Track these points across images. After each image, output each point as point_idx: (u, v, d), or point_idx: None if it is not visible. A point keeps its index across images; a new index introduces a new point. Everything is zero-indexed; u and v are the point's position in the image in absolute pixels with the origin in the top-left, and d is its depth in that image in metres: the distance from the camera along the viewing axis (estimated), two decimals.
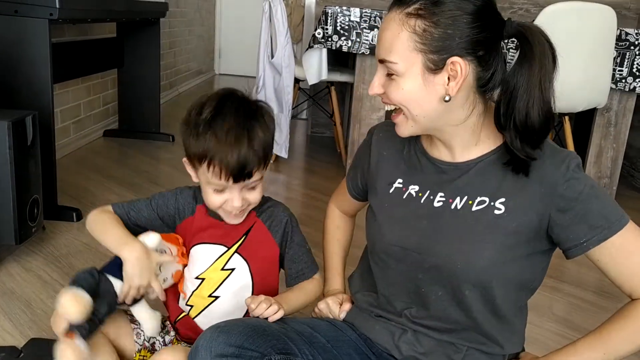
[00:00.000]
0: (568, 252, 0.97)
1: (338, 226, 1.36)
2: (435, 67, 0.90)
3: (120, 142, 3.63)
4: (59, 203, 2.32)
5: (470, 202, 0.99)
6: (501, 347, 1.04)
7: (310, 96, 3.72)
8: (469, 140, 0.99)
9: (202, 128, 1.08)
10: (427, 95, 0.92)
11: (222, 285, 1.21)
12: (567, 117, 2.83)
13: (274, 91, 3.23)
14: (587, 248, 0.94)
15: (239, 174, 1.07)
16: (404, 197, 1.06)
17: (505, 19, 0.93)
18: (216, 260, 1.20)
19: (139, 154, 3.41)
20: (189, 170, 1.17)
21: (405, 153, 1.10)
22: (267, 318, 1.08)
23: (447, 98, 0.92)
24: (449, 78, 0.91)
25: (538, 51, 0.90)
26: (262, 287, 1.22)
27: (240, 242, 1.21)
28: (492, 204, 0.97)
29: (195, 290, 1.21)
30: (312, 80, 3.00)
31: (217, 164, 1.06)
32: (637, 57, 2.71)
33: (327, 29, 2.80)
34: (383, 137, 1.14)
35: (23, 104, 2.11)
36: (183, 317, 1.24)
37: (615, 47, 2.65)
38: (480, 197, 0.98)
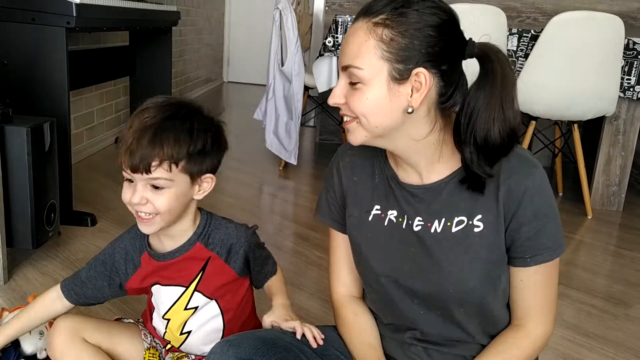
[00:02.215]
0: (509, 260, 0.99)
1: (356, 314, 1.14)
2: (400, 77, 0.90)
3: None
4: (74, 208, 2.36)
5: (448, 223, 0.98)
6: None
7: (319, 104, 3.75)
8: (431, 157, 0.98)
9: (132, 116, 1.08)
10: (390, 105, 0.91)
11: (189, 322, 1.21)
12: (576, 125, 2.85)
13: (284, 99, 3.27)
14: (529, 264, 0.97)
15: (135, 163, 1.02)
16: (385, 223, 1.04)
17: (467, 39, 0.94)
18: (176, 301, 1.19)
19: None
20: None
21: (377, 179, 1.07)
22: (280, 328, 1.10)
23: (410, 110, 0.91)
24: (412, 90, 0.90)
25: (499, 71, 0.91)
26: (231, 308, 1.22)
27: (197, 279, 1.17)
28: (470, 222, 0.97)
29: (165, 329, 1.23)
30: (322, 88, 3.04)
31: (123, 150, 1.04)
32: None
33: (337, 37, 2.84)
34: (350, 162, 1.10)
35: (40, 110, 2.15)
36: (170, 347, 1.26)
37: (623, 56, 2.67)
38: (458, 217, 0.98)
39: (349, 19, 2.83)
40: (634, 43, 2.71)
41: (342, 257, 1.16)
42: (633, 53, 2.72)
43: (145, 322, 1.30)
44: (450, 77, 0.92)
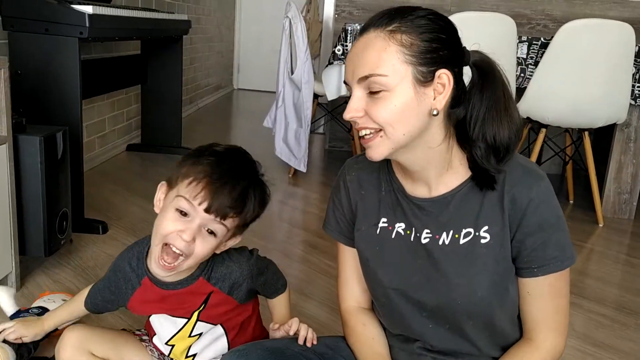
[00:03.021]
0: (516, 271, 0.99)
1: (364, 324, 1.15)
2: (424, 79, 0.90)
3: (142, 156, 3.70)
4: (85, 216, 2.38)
5: (456, 235, 0.99)
6: None
7: (328, 111, 3.77)
8: (442, 167, 0.98)
9: (209, 153, 1.05)
10: (417, 109, 0.91)
11: (194, 346, 1.21)
12: (586, 133, 2.84)
13: (294, 106, 3.28)
14: (536, 275, 0.97)
15: (217, 206, 1.00)
16: (393, 236, 1.05)
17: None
18: (180, 330, 1.18)
19: (161, 168, 3.47)
20: (159, 195, 1.10)
21: (383, 192, 1.07)
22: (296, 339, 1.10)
23: (435, 112, 0.91)
24: (434, 92, 0.91)
25: (499, 76, 0.95)
26: (235, 326, 1.22)
27: (199, 310, 1.16)
28: (477, 234, 0.97)
29: (169, 353, 1.23)
30: (331, 95, 3.05)
31: (202, 184, 1.00)
32: None
33: (346, 45, 2.85)
34: (356, 175, 1.10)
35: (52, 119, 2.18)
36: None
37: (634, 63, 2.66)
38: (465, 229, 0.98)
39: (358, 27, 2.84)
40: None
41: (351, 270, 1.16)
42: None
43: (149, 335, 1.31)
44: (459, 81, 0.94)
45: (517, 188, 0.95)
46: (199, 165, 1.03)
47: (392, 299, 1.05)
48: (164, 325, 1.20)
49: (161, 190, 1.11)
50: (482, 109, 0.94)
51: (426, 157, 0.97)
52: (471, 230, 0.98)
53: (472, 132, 0.95)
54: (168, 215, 1.04)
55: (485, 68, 0.95)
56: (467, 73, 0.96)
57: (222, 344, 1.22)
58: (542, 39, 2.81)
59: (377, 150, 0.94)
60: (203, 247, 1.04)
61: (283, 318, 1.24)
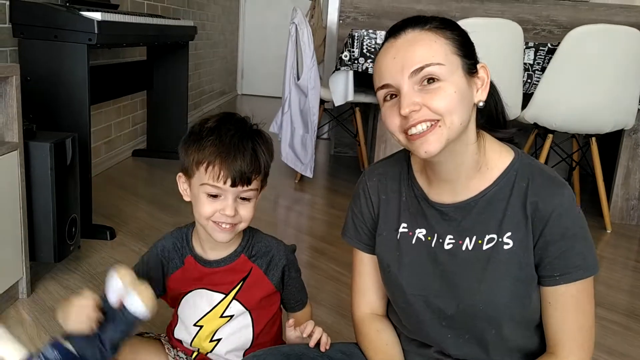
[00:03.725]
0: (538, 280, 0.98)
1: (378, 330, 1.14)
2: (471, 70, 0.94)
3: (148, 161, 3.70)
4: (93, 222, 2.38)
5: (479, 241, 0.99)
6: None
7: (334, 117, 3.77)
8: (472, 166, 0.98)
9: (206, 133, 1.09)
10: (469, 97, 0.94)
11: (220, 330, 1.22)
12: (594, 139, 2.83)
13: (300, 112, 3.28)
14: (558, 283, 0.96)
15: (239, 177, 1.06)
16: (413, 242, 1.05)
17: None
18: (214, 307, 1.20)
19: (167, 174, 3.47)
20: (182, 186, 1.16)
21: (404, 198, 1.07)
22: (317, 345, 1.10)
23: (481, 104, 0.96)
24: (476, 83, 0.96)
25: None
26: (262, 321, 1.24)
27: (237, 288, 1.20)
28: (500, 239, 0.97)
29: (194, 337, 1.23)
30: (338, 101, 3.05)
31: (217, 164, 1.06)
32: None
33: (353, 51, 2.85)
34: (377, 181, 1.11)
35: (61, 125, 2.19)
36: (196, 356, 1.26)
37: None
38: (489, 235, 0.98)
39: (365, 33, 2.84)
40: None
41: (368, 278, 1.16)
42: None
43: (169, 335, 1.30)
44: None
45: (541, 196, 0.95)
46: (205, 148, 1.08)
47: (412, 304, 1.05)
48: (197, 303, 1.21)
49: (181, 180, 1.17)
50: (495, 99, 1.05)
51: (462, 155, 0.97)
52: (494, 236, 0.98)
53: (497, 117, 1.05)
54: (202, 201, 1.10)
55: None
56: None
57: (246, 336, 1.22)
58: (548, 44, 2.81)
59: (435, 143, 0.91)
60: (247, 211, 1.12)
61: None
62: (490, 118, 1.05)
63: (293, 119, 3.28)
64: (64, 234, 1.91)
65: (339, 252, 2.40)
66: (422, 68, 0.90)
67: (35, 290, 1.87)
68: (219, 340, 1.22)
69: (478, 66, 0.95)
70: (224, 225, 1.11)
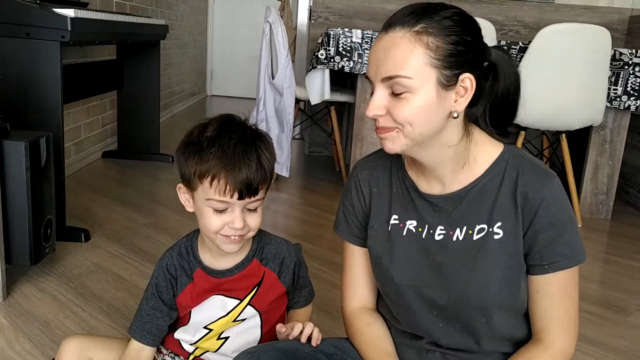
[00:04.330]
0: (527, 268, 1.00)
1: (369, 323, 1.15)
2: (448, 83, 0.91)
3: (119, 163, 3.63)
4: (67, 224, 2.32)
5: (470, 231, 1.00)
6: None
7: (309, 116, 3.77)
8: (457, 163, 1.00)
9: (207, 144, 1.03)
10: (437, 111, 0.92)
11: (230, 329, 1.19)
12: (564, 135, 2.90)
13: (275, 111, 3.27)
14: (546, 271, 0.98)
15: (246, 189, 1.02)
16: (404, 233, 1.05)
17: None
18: (229, 312, 1.17)
19: (139, 175, 3.41)
20: (184, 197, 1.11)
21: (395, 190, 1.08)
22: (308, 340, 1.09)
23: (455, 115, 0.93)
24: (456, 95, 0.93)
25: (514, 73, 1.00)
26: (270, 322, 1.22)
27: (252, 294, 1.17)
28: (490, 229, 0.99)
29: (201, 338, 1.20)
30: (315, 100, 3.05)
31: (222, 177, 1.00)
32: (631, 76, 2.80)
33: (329, 50, 2.86)
34: (368, 174, 1.11)
35: (33, 124, 2.12)
36: (195, 358, 1.24)
37: (610, 67, 2.74)
38: (479, 225, 0.99)
39: (340, 32, 2.85)
40: (620, 54, 2.78)
41: (360, 271, 1.16)
42: (619, 64, 2.79)
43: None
44: (480, 82, 0.95)
45: (530, 186, 0.97)
46: (208, 161, 1.02)
47: (404, 296, 1.05)
48: (212, 309, 1.17)
49: (182, 192, 1.11)
50: (510, 94, 0.99)
51: (442, 155, 0.98)
52: (485, 226, 0.99)
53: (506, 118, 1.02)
54: (208, 215, 1.05)
55: (504, 65, 0.97)
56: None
57: (254, 335, 1.20)
58: (520, 43, 2.86)
59: (393, 144, 0.96)
60: (255, 221, 1.08)
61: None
62: (497, 119, 1.02)
63: (268, 118, 3.26)
64: (39, 235, 1.85)
65: (319, 250, 2.40)
66: (390, 78, 0.91)
67: (10, 294, 1.81)
68: (226, 338, 1.20)
69: (461, 77, 0.92)
70: (232, 237, 1.06)
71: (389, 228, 1.07)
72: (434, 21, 0.91)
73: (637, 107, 2.84)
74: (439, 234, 1.02)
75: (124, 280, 1.99)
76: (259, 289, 1.16)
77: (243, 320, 1.19)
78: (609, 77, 2.77)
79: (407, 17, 0.91)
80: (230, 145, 1.02)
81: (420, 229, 1.04)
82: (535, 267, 0.99)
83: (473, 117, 0.99)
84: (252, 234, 1.09)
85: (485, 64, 0.97)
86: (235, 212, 1.04)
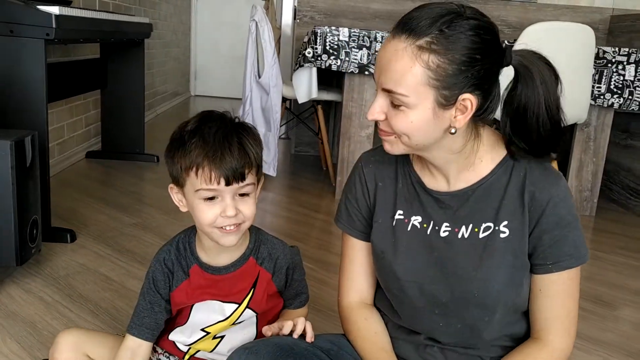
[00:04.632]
0: (531, 268, 1.00)
1: (366, 318, 1.14)
2: (447, 102, 0.90)
3: (103, 163, 3.59)
4: (52, 225, 2.29)
5: (476, 229, 1.00)
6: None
7: (296, 115, 3.76)
8: (464, 165, 1.00)
9: (188, 137, 1.04)
10: (433, 127, 0.92)
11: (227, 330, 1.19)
12: None
13: (262, 110, 3.25)
14: (550, 271, 0.98)
15: (231, 174, 1.01)
16: (409, 229, 1.05)
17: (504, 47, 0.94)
18: (228, 317, 1.16)
19: (124, 175, 3.38)
20: (176, 197, 1.11)
21: (400, 185, 1.08)
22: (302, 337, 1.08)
23: (453, 131, 0.92)
24: (455, 111, 0.91)
25: (538, 75, 0.92)
26: (266, 319, 1.21)
27: (249, 296, 1.16)
28: (496, 228, 0.99)
29: (197, 340, 1.20)
30: (302, 98, 3.04)
31: (206, 166, 1.01)
32: (614, 74, 2.83)
33: (316, 48, 2.85)
34: (373, 167, 1.11)
35: (17, 123, 2.09)
36: (190, 357, 1.23)
37: (594, 65, 2.77)
38: (485, 223, 0.99)
39: (327, 30, 2.84)
40: (604, 52, 2.82)
41: (359, 265, 1.15)
42: (603, 62, 2.82)
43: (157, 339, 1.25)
44: (490, 93, 0.93)
45: (538, 186, 0.97)
46: (190, 152, 1.03)
47: (406, 291, 1.05)
48: (210, 313, 1.16)
49: (173, 192, 1.11)
50: (522, 111, 0.93)
51: (446, 157, 0.99)
52: (491, 224, 0.99)
53: (512, 135, 0.96)
54: (200, 208, 1.05)
55: (523, 72, 0.93)
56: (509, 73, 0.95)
57: (250, 333, 1.20)
58: (506, 41, 2.88)
59: (393, 147, 0.98)
60: (249, 208, 1.06)
61: None
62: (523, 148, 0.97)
63: (255, 117, 3.25)
64: (25, 236, 1.82)
65: (308, 248, 2.39)
66: (389, 90, 0.91)
67: None
68: (222, 337, 1.19)
69: (461, 97, 0.89)
70: (228, 228, 1.05)
71: (394, 223, 1.07)
72: (443, 35, 0.87)
73: (620, 105, 2.87)
74: (444, 231, 1.02)
75: (112, 281, 1.97)
76: (255, 290, 1.15)
77: (241, 321, 1.18)
78: (593, 75, 2.80)
79: (419, 24, 0.88)
80: (210, 134, 1.03)
81: (425, 225, 1.04)
82: (540, 267, 0.99)
83: (487, 122, 0.98)
84: (248, 224, 1.08)
85: (508, 65, 0.93)
86: (226, 200, 1.03)
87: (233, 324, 1.17)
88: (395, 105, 0.92)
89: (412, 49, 0.88)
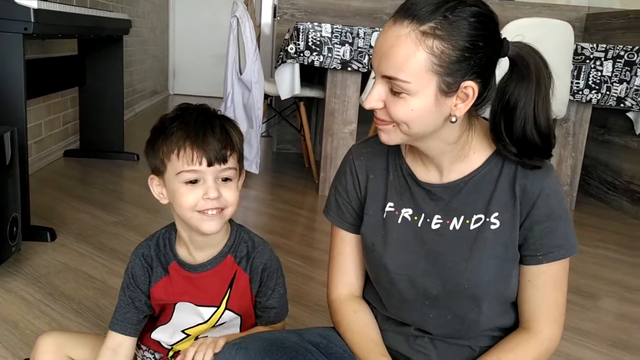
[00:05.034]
0: (521, 259, 1.01)
1: (355, 311, 1.13)
2: (449, 89, 0.89)
3: (82, 162, 3.53)
4: (31, 223, 2.24)
5: (467, 221, 1.00)
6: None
7: (278, 112, 3.74)
8: (457, 156, 1.00)
9: (169, 123, 1.03)
10: (434, 115, 0.91)
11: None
12: None
13: (243, 107, 3.23)
14: (540, 262, 0.98)
15: (213, 155, 1.00)
16: (399, 221, 1.05)
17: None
18: (207, 320, 1.15)
19: (104, 173, 3.33)
20: (156, 189, 1.09)
21: (392, 177, 1.07)
22: None
23: (454, 119, 0.91)
24: (456, 99, 0.90)
25: (534, 70, 0.92)
26: (250, 321, 1.19)
27: (227, 297, 1.13)
28: (487, 219, 0.99)
29: (178, 341, 1.18)
30: (284, 95, 3.03)
31: (188, 146, 1.00)
32: (592, 70, 2.87)
33: (299, 44, 2.84)
34: (365, 159, 1.10)
35: None
36: (173, 355, 1.21)
37: (573, 61, 2.81)
38: (476, 215, 0.99)
39: (310, 26, 2.84)
40: (582, 48, 2.86)
41: (349, 257, 1.15)
42: (581, 58, 2.86)
43: (141, 334, 1.23)
44: (489, 82, 0.92)
45: (529, 178, 0.97)
46: (172, 135, 1.02)
47: (396, 284, 1.05)
48: (190, 316, 1.14)
49: (154, 184, 1.09)
50: (512, 108, 0.92)
51: (441, 148, 0.98)
52: (482, 216, 0.99)
53: (502, 132, 0.94)
54: (181, 192, 1.03)
55: (520, 64, 0.93)
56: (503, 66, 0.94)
57: (233, 332, 1.18)
58: None
59: (389, 137, 0.96)
60: (231, 193, 1.04)
61: None
62: (514, 144, 0.95)
63: (236, 114, 3.22)
64: (5, 234, 1.78)
65: (292, 244, 2.38)
66: (389, 77, 0.90)
67: None
68: (205, 337, 1.17)
69: (464, 84, 0.88)
70: (210, 212, 1.03)
71: (384, 215, 1.06)
72: (447, 21, 0.86)
73: (598, 100, 2.92)
74: (435, 223, 1.02)
75: (94, 279, 1.94)
76: (231, 290, 1.13)
77: (223, 323, 1.16)
78: (572, 71, 2.83)
79: (422, 9, 0.87)
80: (192, 118, 1.03)
81: (415, 217, 1.04)
82: (530, 258, 0.99)
83: (477, 112, 0.97)
84: (230, 210, 1.05)
85: (505, 56, 0.93)
86: (208, 182, 1.02)
87: (213, 326, 1.15)
88: (395, 93, 0.90)
89: (415, 34, 0.86)
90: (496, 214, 0.98)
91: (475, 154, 1.00)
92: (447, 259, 1.01)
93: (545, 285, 1.00)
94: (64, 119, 3.63)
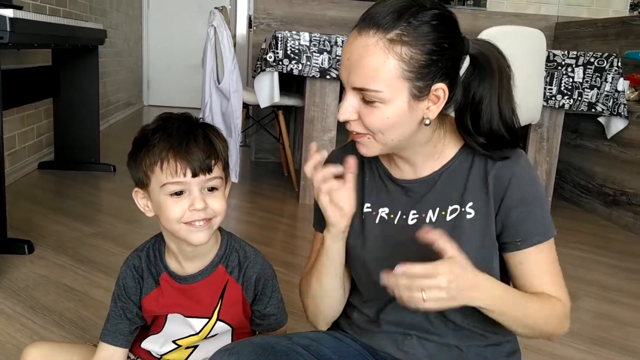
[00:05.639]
0: (501, 247, 1.02)
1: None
2: (421, 94, 0.90)
3: (57, 174, 3.48)
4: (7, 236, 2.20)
5: (443, 212, 1.01)
6: (498, 334, 1.08)
7: (257, 121, 3.74)
8: (430, 154, 1.02)
9: (151, 134, 1.01)
10: (409, 120, 0.92)
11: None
12: None
13: (222, 116, 3.23)
14: (520, 248, 0.99)
15: (198, 166, 0.99)
16: (377, 221, 1.06)
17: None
18: (199, 332, 1.14)
19: (80, 185, 3.29)
20: (141, 202, 1.07)
21: (367, 178, 1.09)
22: None
23: (427, 122, 0.93)
24: (428, 102, 0.92)
25: (496, 65, 0.94)
26: (242, 331, 1.18)
27: (218, 307, 1.12)
28: (462, 209, 1.00)
29: (170, 351, 1.17)
30: (264, 103, 3.03)
31: (171, 158, 0.98)
32: (564, 76, 2.95)
33: (277, 53, 2.85)
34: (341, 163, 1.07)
35: None
36: None
37: (545, 68, 2.87)
38: (451, 205, 1.01)
39: (288, 34, 2.85)
40: (554, 55, 2.93)
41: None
42: (553, 64, 2.93)
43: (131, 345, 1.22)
44: (456, 81, 0.94)
45: (500, 164, 0.99)
46: (154, 147, 1.00)
47: (376, 281, 1.05)
48: (182, 327, 1.13)
49: (138, 197, 1.07)
50: (478, 104, 0.95)
51: (414, 149, 1.00)
52: (457, 206, 1.01)
53: (470, 127, 0.97)
54: (167, 204, 1.01)
55: (482, 61, 0.95)
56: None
57: (225, 342, 1.15)
58: None
59: (368, 149, 0.97)
60: (218, 203, 1.03)
61: None
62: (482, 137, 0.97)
63: (215, 123, 3.19)
64: None
65: (274, 252, 2.38)
66: (361, 89, 0.90)
67: None
68: (195, 346, 1.17)
69: (434, 87, 0.90)
70: (197, 224, 1.01)
71: (363, 216, 1.07)
72: (411, 27, 0.87)
73: (570, 106, 2.99)
74: (412, 219, 1.03)
75: (75, 291, 1.91)
76: (222, 301, 1.12)
77: (215, 335, 1.15)
78: (545, 77, 2.90)
79: (385, 18, 0.88)
80: (174, 129, 1.01)
81: (392, 216, 1.05)
82: (510, 244, 1.00)
83: (447, 110, 0.98)
84: (218, 220, 1.04)
85: (466, 54, 0.95)
86: (193, 193, 1.00)
87: (205, 337, 1.14)
88: (368, 102, 0.91)
89: (383, 43, 0.87)
90: (470, 204, 1.00)
91: (448, 148, 1.02)
92: (425, 253, 1.01)
93: (539, 263, 0.99)
94: (38, 131, 3.57)
